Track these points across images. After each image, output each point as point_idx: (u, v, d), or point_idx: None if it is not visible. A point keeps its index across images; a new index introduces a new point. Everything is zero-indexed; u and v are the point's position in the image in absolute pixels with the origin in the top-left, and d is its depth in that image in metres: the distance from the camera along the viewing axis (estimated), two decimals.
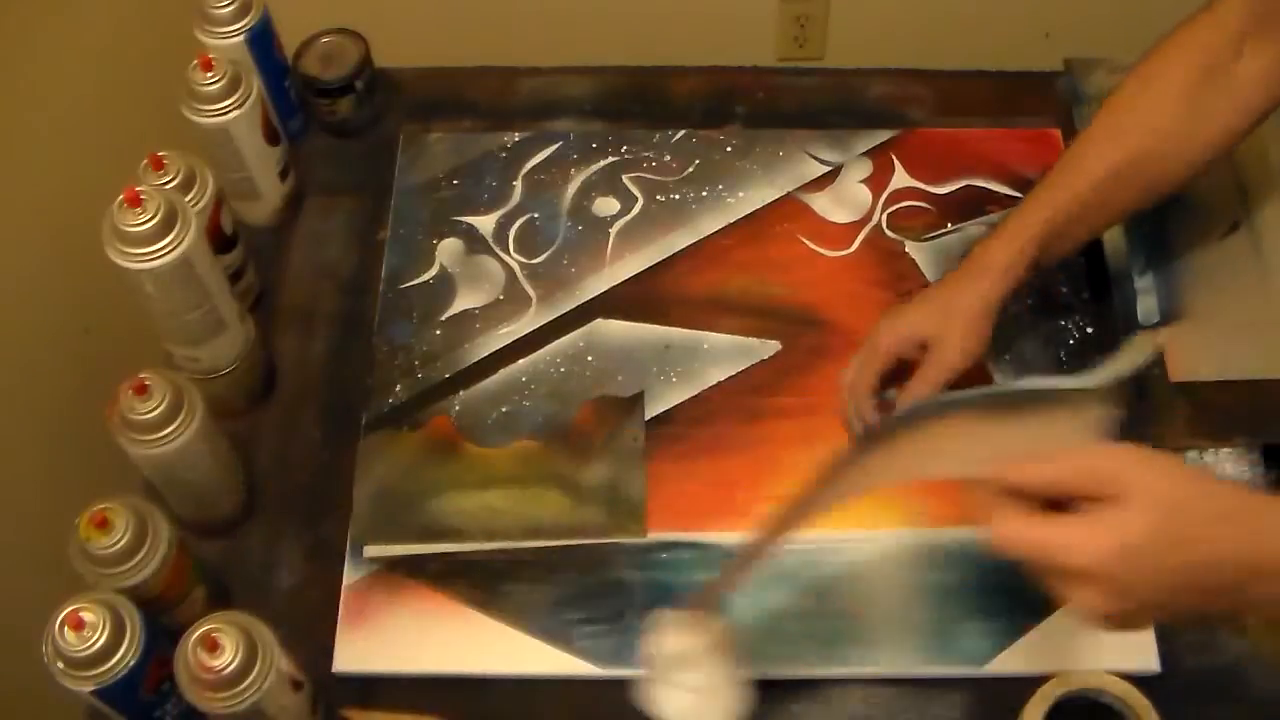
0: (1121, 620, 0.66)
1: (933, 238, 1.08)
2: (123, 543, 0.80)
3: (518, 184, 1.13)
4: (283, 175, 1.09)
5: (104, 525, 0.80)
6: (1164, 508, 0.65)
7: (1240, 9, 0.88)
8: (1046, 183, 0.93)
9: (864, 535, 0.94)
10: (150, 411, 0.85)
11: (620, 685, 0.90)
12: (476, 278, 1.08)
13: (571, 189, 1.12)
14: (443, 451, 0.99)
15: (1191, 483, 0.67)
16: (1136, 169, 0.91)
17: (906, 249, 1.08)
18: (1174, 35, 0.91)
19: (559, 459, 0.98)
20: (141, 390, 0.85)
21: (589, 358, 1.03)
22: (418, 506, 0.96)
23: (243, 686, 0.76)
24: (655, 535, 0.95)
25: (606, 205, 1.11)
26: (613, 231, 1.09)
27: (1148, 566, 0.64)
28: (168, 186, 0.92)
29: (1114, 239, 1.07)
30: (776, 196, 1.11)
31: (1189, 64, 0.89)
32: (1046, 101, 1.16)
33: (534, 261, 1.08)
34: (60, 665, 0.76)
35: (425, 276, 1.08)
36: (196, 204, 0.94)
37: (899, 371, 0.95)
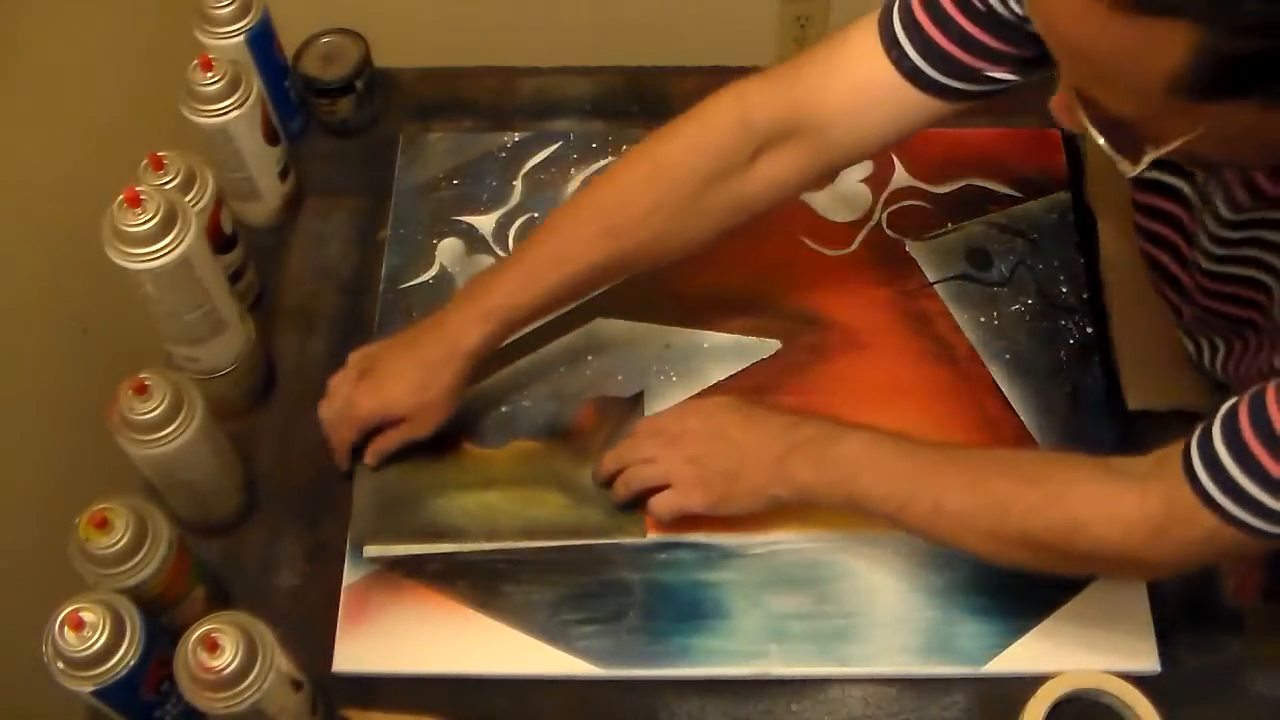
0: (697, 474, 0.90)
1: (932, 237, 1.08)
2: (123, 543, 0.80)
3: (518, 184, 1.13)
4: (283, 175, 1.09)
5: (104, 525, 0.80)
6: (734, 397, 0.95)
7: (767, 116, 0.87)
8: (532, 261, 0.92)
9: (864, 535, 0.94)
10: (150, 411, 0.85)
11: (620, 685, 0.90)
12: None
13: (571, 188, 1.12)
14: (443, 451, 0.99)
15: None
16: (627, 259, 0.92)
17: (907, 248, 1.08)
18: (696, 125, 0.89)
19: (559, 459, 0.98)
20: (141, 390, 0.85)
21: (589, 357, 1.03)
22: (418, 506, 0.96)
23: (243, 686, 0.76)
24: (655, 535, 0.95)
25: None
26: None
27: (712, 408, 0.93)
28: (168, 186, 0.92)
29: None
30: None
31: (707, 168, 0.89)
32: (1046, 101, 1.15)
33: None
34: (60, 665, 0.76)
35: (425, 276, 1.08)
36: (196, 204, 0.94)
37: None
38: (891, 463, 0.84)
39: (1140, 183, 0.84)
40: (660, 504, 0.92)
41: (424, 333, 0.95)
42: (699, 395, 1.00)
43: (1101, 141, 0.68)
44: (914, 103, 0.83)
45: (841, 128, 0.86)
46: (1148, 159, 0.67)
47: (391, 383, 0.94)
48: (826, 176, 0.91)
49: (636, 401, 1.00)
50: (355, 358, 0.97)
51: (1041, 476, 0.80)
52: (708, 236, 0.93)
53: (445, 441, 0.98)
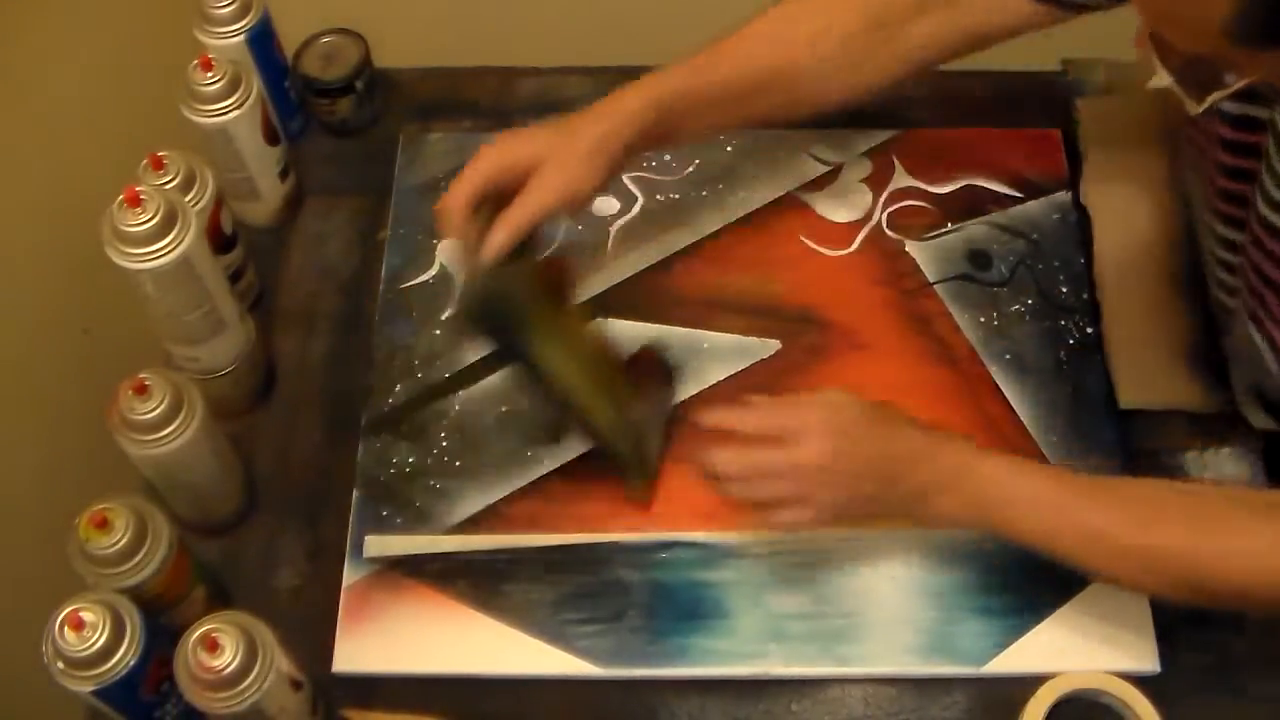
0: (832, 498, 0.84)
1: (933, 237, 1.08)
2: (123, 543, 0.80)
3: None
4: (283, 175, 1.09)
5: (104, 525, 0.80)
6: (866, 402, 0.86)
7: None
8: (703, 57, 0.93)
9: (865, 535, 0.94)
10: (150, 411, 0.85)
11: (620, 685, 0.90)
12: None
13: None
14: (546, 287, 0.92)
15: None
16: (786, 80, 0.93)
17: (907, 248, 1.08)
18: None
19: (618, 383, 0.94)
20: (141, 390, 0.85)
21: None
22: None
23: (243, 686, 0.76)
24: (655, 534, 0.95)
25: (606, 204, 1.11)
26: (613, 231, 1.09)
27: (854, 427, 0.84)
28: (168, 186, 0.92)
29: None
30: (776, 196, 1.10)
31: (868, 7, 0.92)
32: (1046, 101, 1.16)
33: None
34: (60, 665, 0.76)
35: (425, 276, 1.08)
36: (196, 204, 0.94)
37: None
38: (1037, 492, 0.83)
39: (1227, 118, 0.85)
40: (788, 519, 0.85)
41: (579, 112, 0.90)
42: (782, 396, 0.91)
43: (1170, 80, 0.70)
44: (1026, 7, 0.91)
45: (983, 4, 0.92)
46: (1211, 99, 0.70)
47: (528, 132, 0.89)
48: (963, 49, 0.95)
49: (677, 373, 0.99)
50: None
51: (1213, 525, 0.80)
52: (863, 86, 0.94)
53: (555, 279, 0.94)
